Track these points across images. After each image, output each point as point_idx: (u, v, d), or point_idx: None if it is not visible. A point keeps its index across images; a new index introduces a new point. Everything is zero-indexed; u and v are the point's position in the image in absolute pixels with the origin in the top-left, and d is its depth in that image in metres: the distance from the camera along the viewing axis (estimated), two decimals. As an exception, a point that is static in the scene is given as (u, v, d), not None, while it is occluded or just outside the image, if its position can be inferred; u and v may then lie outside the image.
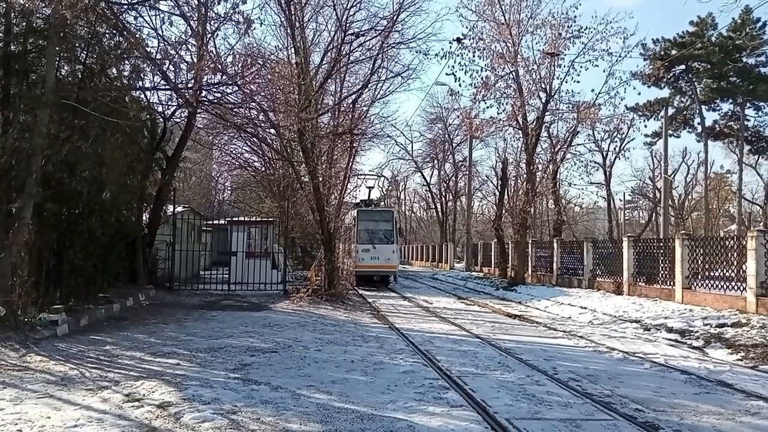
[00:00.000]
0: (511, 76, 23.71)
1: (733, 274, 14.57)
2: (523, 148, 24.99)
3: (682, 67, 38.56)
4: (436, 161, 52.84)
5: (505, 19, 23.30)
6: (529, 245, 27.13)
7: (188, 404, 5.71)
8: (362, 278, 22.31)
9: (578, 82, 55.28)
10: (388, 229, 23.18)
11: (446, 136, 48.58)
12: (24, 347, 8.23)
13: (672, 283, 16.33)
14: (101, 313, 11.58)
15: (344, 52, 17.29)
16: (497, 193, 31.28)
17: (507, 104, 24.22)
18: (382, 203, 39.40)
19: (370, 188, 27.03)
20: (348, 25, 16.75)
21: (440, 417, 5.64)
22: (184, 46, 13.17)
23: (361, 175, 27.72)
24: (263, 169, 28.32)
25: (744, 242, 14.00)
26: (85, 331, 9.94)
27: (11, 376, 6.70)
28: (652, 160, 47.76)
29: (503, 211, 29.39)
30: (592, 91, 49.66)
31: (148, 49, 13.05)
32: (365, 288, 21.93)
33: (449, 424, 5.43)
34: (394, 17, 16.59)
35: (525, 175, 25.08)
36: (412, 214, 73.54)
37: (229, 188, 42.80)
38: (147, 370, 7.21)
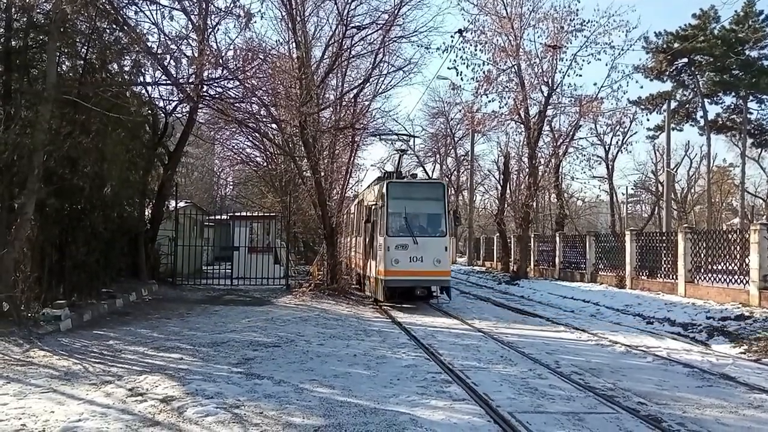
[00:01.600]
0: (513, 69, 23.67)
1: (736, 268, 14.55)
2: (525, 142, 24.97)
3: (685, 60, 38.41)
4: (438, 156, 52.71)
5: (507, 13, 23.23)
6: (532, 239, 27.12)
7: (191, 398, 5.73)
8: (395, 291, 14.27)
9: (580, 75, 55.23)
10: (437, 213, 14.69)
11: (448, 130, 48.46)
12: (27, 342, 8.26)
13: (675, 277, 16.32)
14: (104, 308, 11.62)
15: (345, 47, 17.25)
16: (499, 187, 31.32)
17: (509, 98, 24.22)
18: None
19: (402, 152, 18.17)
20: (349, 19, 16.72)
21: (443, 411, 5.64)
22: (184, 40, 13.19)
23: (384, 136, 19.65)
24: (265, 164, 28.31)
25: (747, 235, 13.98)
26: (89, 326, 9.97)
27: (15, 371, 6.72)
28: (655, 153, 47.58)
29: (505, 206, 29.38)
30: (595, 84, 49.40)
31: (149, 44, 13.04)
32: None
33: (452, 418, 5.43)
34: (396, 11, 16.57)
35: (527, 169, 25.07)
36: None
37: (231, 183, 42.84)
38: (150, 364, 7.23)
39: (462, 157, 48.29)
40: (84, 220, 12.68)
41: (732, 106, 40.53)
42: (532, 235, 27.58)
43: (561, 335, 10.87)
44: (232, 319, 11.23)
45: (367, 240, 15.76)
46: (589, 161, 28.34)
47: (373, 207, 14.95)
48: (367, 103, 19.98)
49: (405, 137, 18.39)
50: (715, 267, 15.45)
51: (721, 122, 41.15)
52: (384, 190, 14.59)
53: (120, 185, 13.94)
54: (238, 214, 23.33)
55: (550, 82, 23.75)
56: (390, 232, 14.22)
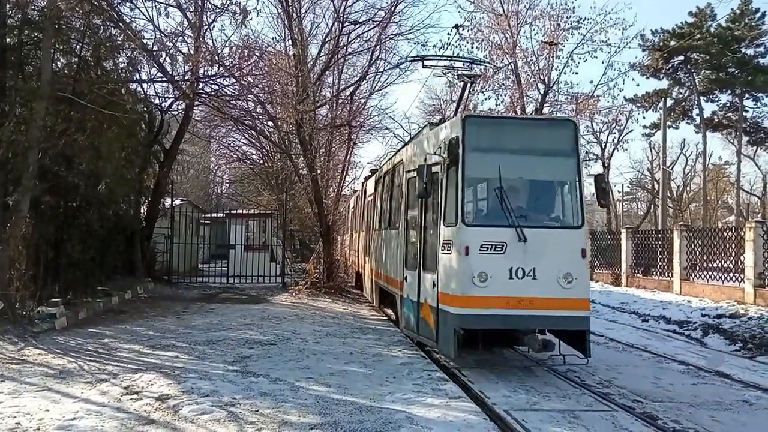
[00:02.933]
0: (509, 67, 23.64)
1: (731, 266, 14.62)
2: (521, 140, 24.89)
3: (681, 58, 38.43)
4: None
5: (504, 10, 23.19)
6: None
7: (187, 397, 5.71)
8: (477, 336, 7.05)
9: (577, 73, 54.93)
10: (565, 181, 7.77)
11: (445, 128, 48.34)
12: (22, 340, 8.23)
13: (670, 275, 16.37)
14: (99, 306, 11.58)
15: (342, 44, 17.19)
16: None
17: (505, 96, 24.17)
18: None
19: (472, 79, 10.89)
20: (345, 16, 16.66)
21: (439, 408, 5.64)
22: (180, 37, 13.14)
23: (429, 59, 11.23)
24: (261, 161, 28.18)
25: (742, 233, 14.03)
26: (84, 324, 9.94)
27: (10, 370, 6.70)
28: (651, 151, 47.61)
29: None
30: (591, 82, 49.61)
31: (144, 41, 12.98)
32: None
33: (448, 416, 5.43)
34: (392, 8, 16.50)
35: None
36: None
37: (227, 181, 42.66)
38: (146, 362, 7.21)
39: (459, 155, 48.13)
40: (79, 217, 12.62)
41: (728, 104, 40.60)
42: (529, 233, 27.58)
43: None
44: (228, 317, 11.21)
45: (408, 233, 9.05)
46: (586, 159, 28.43)
47: (432, 169, 7.69)
48: (363, 100, 19.99)
49: (468, 60, 11.45)
50: (710, 265, 15.51)
51: (717, 120, 41.20)
52: (459, 133, 7.42)
53: (115, 183, 13.84)
54: (234, 211, 23.30)
55: (546, 80, 23.74)
56: (470, 216, 7.58)
